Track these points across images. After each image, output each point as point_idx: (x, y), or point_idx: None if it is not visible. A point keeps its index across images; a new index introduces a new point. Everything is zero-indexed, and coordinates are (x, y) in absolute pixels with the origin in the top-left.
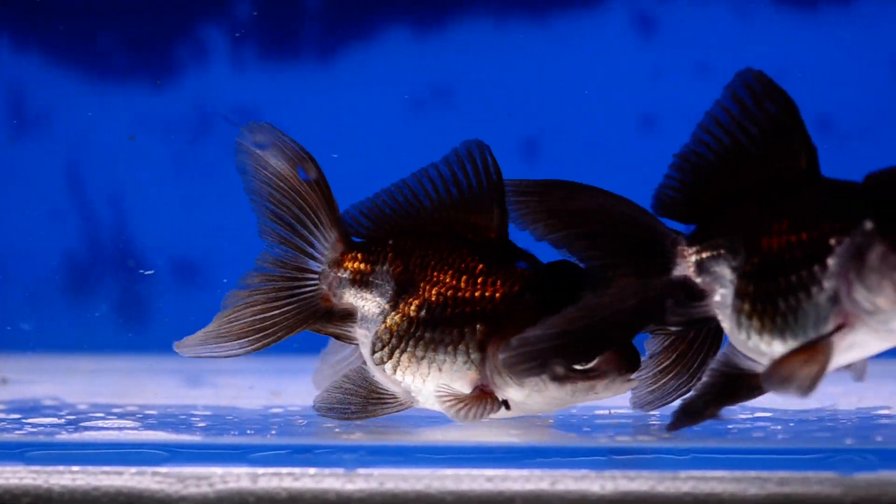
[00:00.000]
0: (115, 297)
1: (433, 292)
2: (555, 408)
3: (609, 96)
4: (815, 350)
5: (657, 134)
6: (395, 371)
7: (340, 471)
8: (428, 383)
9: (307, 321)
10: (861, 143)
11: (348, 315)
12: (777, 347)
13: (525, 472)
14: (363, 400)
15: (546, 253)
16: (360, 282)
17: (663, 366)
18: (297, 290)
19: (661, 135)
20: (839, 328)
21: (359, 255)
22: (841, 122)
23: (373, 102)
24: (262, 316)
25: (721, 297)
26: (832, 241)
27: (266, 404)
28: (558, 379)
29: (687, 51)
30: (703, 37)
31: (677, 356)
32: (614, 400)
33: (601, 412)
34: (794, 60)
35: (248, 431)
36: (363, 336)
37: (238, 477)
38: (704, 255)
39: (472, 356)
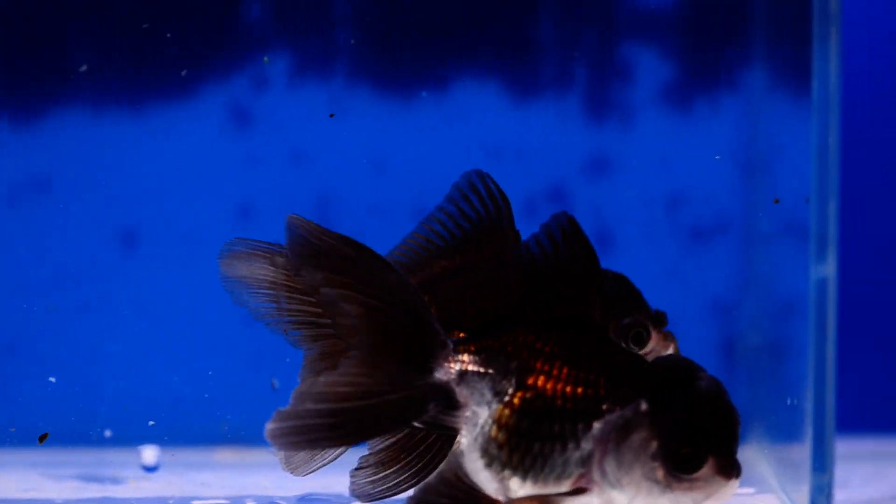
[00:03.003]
0: None
1: None
2: None
3: (206, 186)
4: None
5: (253, 224)
6: None
7: None
8: None
9: None
10: None
11: None
12: (514, 484)
13: None
14: None
15: None
16: None
17: (387, 460)
18: None
19: (257, 224)
20: (578, 492)
21: None
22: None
23: None
24: None
25: (472, 414)
26: (604, 406)
27: None
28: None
29: (281, 140)
30: (298, 126)
31: (403, 452)
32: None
33: None
34: (391, 150)
35: None
36: None
37: None
38: (472, 367)
39: None
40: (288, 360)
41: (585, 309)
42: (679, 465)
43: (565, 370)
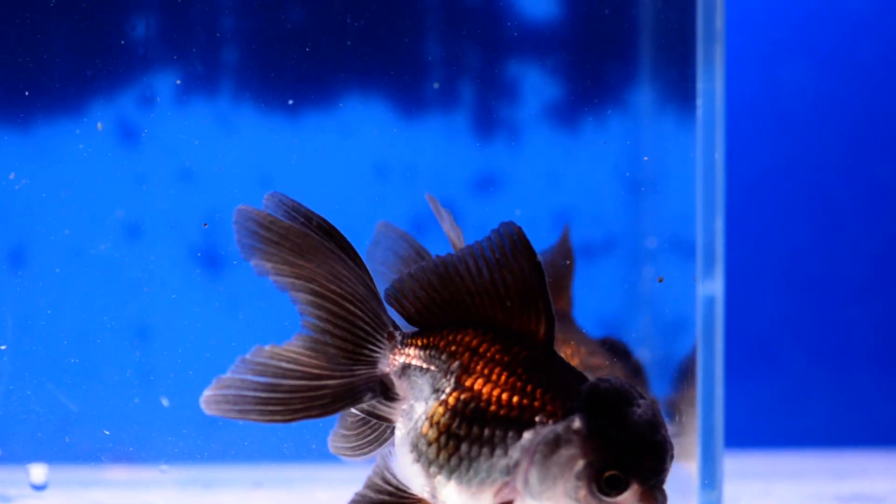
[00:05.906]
0: None
1: None
2: None
3: (93, 204)
4: None
5: (141, 242)
6: None
7: None
8: None
9: None
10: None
11: None
12: (440, 482)
13: None
14: None
15: None
16: None
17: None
18: None
19: (145, 243)
20: None
21: None
22: None
23: None
24: None
25: (409, 408)
26: (537, 418)
27: None
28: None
29: (169, 157)
30: (185, 143)
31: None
32: None
33: None
34: (278, 166)
35: None
36: None
37: None
38: (415, 362)
39: None
40: (174, 376)
41: (532, 321)
42: (602, 488)
43: (504, 376)
